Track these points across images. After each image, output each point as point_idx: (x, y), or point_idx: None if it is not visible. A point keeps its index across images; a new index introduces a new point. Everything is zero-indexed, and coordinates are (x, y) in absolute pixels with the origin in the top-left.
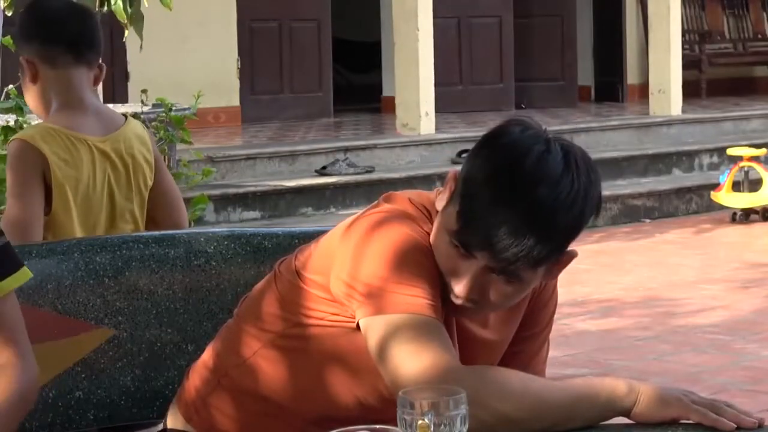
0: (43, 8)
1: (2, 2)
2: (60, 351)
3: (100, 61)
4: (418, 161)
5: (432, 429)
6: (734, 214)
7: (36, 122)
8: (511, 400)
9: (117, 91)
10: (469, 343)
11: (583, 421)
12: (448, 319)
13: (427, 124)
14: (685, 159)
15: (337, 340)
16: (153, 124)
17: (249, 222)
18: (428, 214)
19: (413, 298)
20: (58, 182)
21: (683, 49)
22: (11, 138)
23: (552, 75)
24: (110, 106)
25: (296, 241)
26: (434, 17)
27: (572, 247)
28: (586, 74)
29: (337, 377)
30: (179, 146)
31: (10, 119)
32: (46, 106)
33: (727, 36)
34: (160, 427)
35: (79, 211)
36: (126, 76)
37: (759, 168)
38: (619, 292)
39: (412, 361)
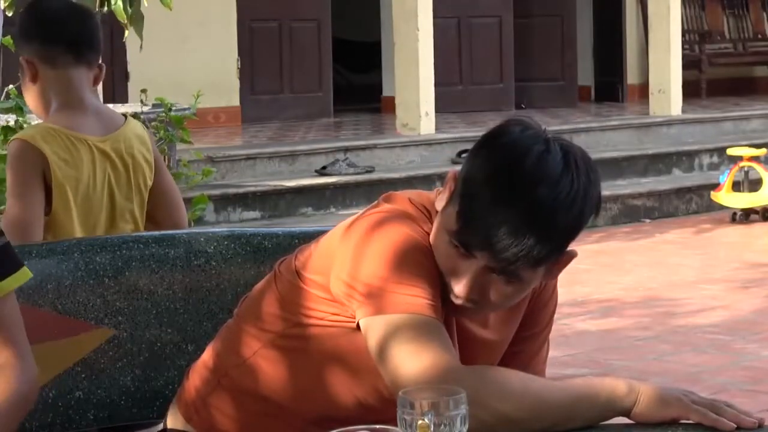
0: (43, 8)
1: (2, 2)
2: (60, 351)
3: (100, 61)
4: (418, 161)
5: (432, 429)
6: (734, 214)
7: (36, 122)
8: (511, 400)
9: (117, 91)
10: (469, 343)
11: (583, 421)
12: (448, 319)
13: (427, 124)
14: (685, 159)
15: (337, 340)
16: (153, 124)
17: (249, 222)
18: (428, 214)
19: (413, 298)
20: (59, 182)
21: (683, 49)
22: (11, 138)
23: (552, 75)
24: (110, 106)
25: (296, 241)
26: (434, 17)
27: (572, 247)
28: (586, 74)
29: (337, 377)
30: (179, 146)
31: (10, 119)
32: (46, 106)
33: (727, 36)
34: (160, 427)
35: (79, 211)
36: (126, 76)
37: (759, 168)
38: (619, 292)
39: (412, 361)
